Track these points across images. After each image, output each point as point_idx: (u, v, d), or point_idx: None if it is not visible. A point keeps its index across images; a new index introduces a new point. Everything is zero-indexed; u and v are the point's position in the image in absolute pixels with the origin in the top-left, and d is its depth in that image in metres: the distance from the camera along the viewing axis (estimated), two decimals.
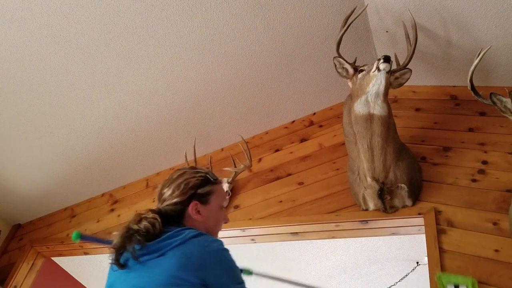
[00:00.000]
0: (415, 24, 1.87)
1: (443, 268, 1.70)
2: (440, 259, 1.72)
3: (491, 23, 1.91)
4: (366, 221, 2.01)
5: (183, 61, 2.27)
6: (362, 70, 1.82)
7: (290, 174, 2.39)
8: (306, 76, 2.43)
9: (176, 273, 1.12)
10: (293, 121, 2.66)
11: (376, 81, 1.74)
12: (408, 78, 1.89)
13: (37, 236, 3.00)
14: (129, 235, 1.20)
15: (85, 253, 2.84)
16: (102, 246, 2.74)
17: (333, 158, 2.33)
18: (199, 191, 1.33)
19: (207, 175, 1.38)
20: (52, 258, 3.11)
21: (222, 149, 2.77)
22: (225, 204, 1.42)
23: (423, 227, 1.87)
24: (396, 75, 1.88)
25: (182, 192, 1.32)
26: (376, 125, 1.79)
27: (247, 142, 2.52)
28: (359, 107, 1.80)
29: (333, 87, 2.48)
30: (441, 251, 1.75)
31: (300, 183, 2.31)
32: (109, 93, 2.39)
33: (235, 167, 2.46)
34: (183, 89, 2.41)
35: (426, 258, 1.78)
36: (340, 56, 1.90)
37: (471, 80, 1.67)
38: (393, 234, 2.05)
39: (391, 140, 1.85)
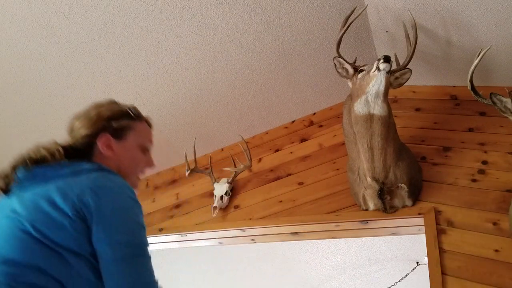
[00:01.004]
0: (415, 24, 1.87)
1: (443, 268, 1.70)
2: (440, 259, 1.72)
3: (491, 23, 1.91)
4: (366, 221, 2.01)
5: (183, 61, 2.27)
6: (362, 70, 1.82)
7: (290, 174, 2.39)
8: (306, 76, 2.43)
9: (53, 203, 0.98)
10: (293, 121, 2.66)
11: (376, 81, 1.74)
12: (408, 78, 1.89)
13: None
14: (20, 160, 1.09)
15: None
16: None
17: (333, 158, 2.33)
18: (113, 123, 1.19)
19: (128, 109, 1.24)
20: None
21: (222, 149, 2.77)
22: (149, 146, 1.29)
23: (423, 227, 1.87)
24: (396, 75, 1.88)
25: (93, 123, 1.18)
26: (376, 125, 1.79)
27: (247, 142, 2.52)
28: (359, 107, 1.80)
29: (333, 87, 2.48)
30: (441, 251, 1.75)
31: (300, 183, 2.31)
32: (109, 93, 2.37)
33: (235, 167, 2.46)
34: (183, 89, 2.41)
35: (426, 258, 1.78)
36: (340, 56, 1.90)
37: (471, 80, 1.67)
38: (393, 234, 2.05)
39: (391, 140, 1.85)
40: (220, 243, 2.43)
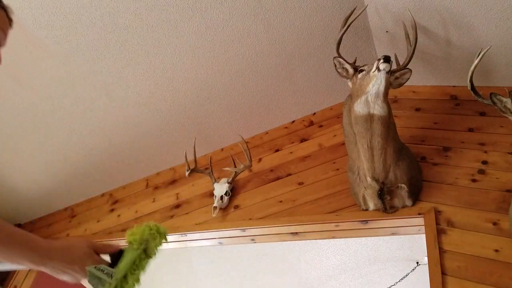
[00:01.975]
0: (415, 24, 1.87)
1: (443, 268, 1.70)
2: (440, 259, 1.72)
3: (491, 23, 1.91)
4: (366, 221, 2.01)
5: (183, 61, 2.27)
6: (362, 70, 1.82)
7: (290, 174, 2.39)
8: (306, 76, 2.43)
9: None
10: (293, 121, 2.66)
11: (376, 81, 1.74)
12: (408, 78, 1.89)
13: (37, 236, 3.00)
14: None
15: None
16: None
17: (333, 158, 2.33)
18: None
19: None
20: None
21: (222, 149, 2.77)
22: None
23: (423, 227, 1.87)
24: (396, 75, 1.88)
25: None
26: (376, 125, 1.79)
27: (247, 142, 2.52)
28: (359, 107, 1.80)
29: (333, 87, 2.48)
30: (441, 251, 1.75)
31: (300, 183, 2.31)
32: (109, 93, 2.39)
33: (235, 167, 2.46)
34: (183, 89, 2.41)
35: (426, 258, 1.78)
36: (340, 56, 1.90)
37: (471, 80, 1.67)
38: (393, 234, 2.04)
39: (391, 140, 1.85)
40: (220, 243, 2.43)
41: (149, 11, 2.03)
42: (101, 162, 2.78)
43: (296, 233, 2.19)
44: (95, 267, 1.01)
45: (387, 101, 1.81)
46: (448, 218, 1.84)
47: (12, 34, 2.09)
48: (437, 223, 1.83)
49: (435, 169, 2.02)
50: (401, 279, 3.27)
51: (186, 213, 2.53)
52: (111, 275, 1.02)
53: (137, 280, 1.08)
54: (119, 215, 2.79)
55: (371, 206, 1.98)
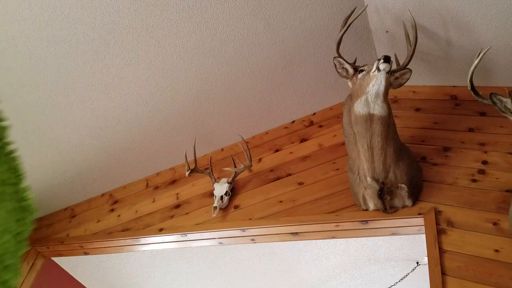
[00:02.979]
0: (415, 24, 1.87)
1: (443, 268, 1.70)
2: (440, 259, 1.72)
3: (491, 23, 1.91)
4: (366, 221, 2.01)
5: (183, 61, 2.27)
6: (362, 70, 1.82)
7: (290, 174, 2.39)
8: (306, 76, 2.43)
9: None
10: (293, 121, 2.66)
11: (376, 81, 1.74)
12: (408, 78, 1.89)
13: (37, 236, 3.00)
14: None
15: (85, 253, 2.84)
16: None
17: (333, 158, 2.33)
18: None
19: None
20: (52, 258, 3.11)
21: (222, 149, 2.77)
22: None
23: (423, 227, 1.88)
24: (396, 75, 1.88)
25: None
26: (376, 125, 1.79)
27: (247, 142, 2.52)
28: (359, 107, 1.80)
29: (333, 87, 2.48)
30: (441, 251, 1.75)
31: (300, 183, 2.31)
32: (109, 93, 2.39)
33: (235, 167, 2.46)
34: (183, 89, 2.41)
35: (426, 258, 1.78)
36: (340, 56, 1.90)
37: (471, 80, 1.67)
38: (393, 234, 2.05)
39: (391, 140, 1.85)
40: (220, 243, 2.44)
41: (149, 11, 2.03)
42: (101, 162, 2.78)
43: (296, 233, 2.19)
44: None
45: (387, 101, 1.81)
46: (448, 218, 1.84)
47: (12, 34, 2.09)
48: (437, 223, 1.83)
49: (435, 169, 2.02)
50: (401, 279, 3.27)
51: (186, 213, 2.53)
52: None
53: None
54: (119, 215, 2.79)
55: (371, 206, 1.98)
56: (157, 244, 2.59)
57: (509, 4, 1.82)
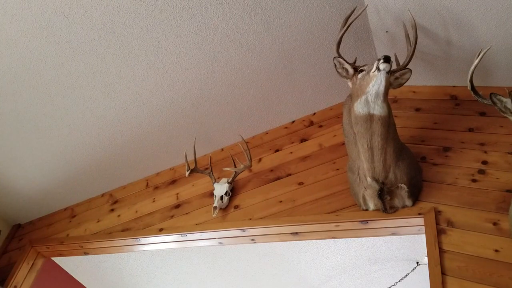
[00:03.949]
0: (415, 24, 1.87)
1: (443, 268, 1.70)
2: (440, 259, 1.72)
3: (491, 23, 1.91)
4: (366, 221, 2.01)
5: (183, 61, 2.27)
6: (362, 70, 1.82)
7: (290, 174, 2.39)
8: (306, 76, 2.43)
9: None
10: (293, 121, 2.66)
11: (376, 81, 1.74)
12: (408, 78, 1.89)
13: (37, 236, 3.00)
14: None
15: (85, 253, 2.84)
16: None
17: (333, 158, 2.33)
18: None
19: None
20: (52, 258, 3.11)
21: (222, 149, 2.77)
22: None
23: (423, 227, 1.87)
24: (396, 75, 1.88)
25: None
26: (376, 125, 1.79)
27: (247, 142, 2.52)
28: (359, 107, 1.80)
29: (333, 87, 2.48)
30: (441, 251, 1.75)
31: (300, 183, 2.31)
32: (109, 93, 2.39)
33: (235, 167, 2.46)
34: (183, 89, 2.41)
35: (426, 258, 1.78)
36: (340, 56, 1.90)
37: (471, 80, 1.67)
38: (393, 234, 2.05)
39: (391, 140, 1.85)
40: (220, 243, 2.44)
41: (149, 11, 2.03)
42: (101, 162, 2.78)
43: (296, 233, 2.19)
44: None
45: (387, 101, 1.81)
46: (448, 218, 1.84)
47: (12, 34, 2.10)
48: (437, 223, 1.83)
49: (435, 169, 2.02)
50: (401, 279, 3.27)
51: (186, 213, 2.53)
52: None
53: None
54: (119, 215, 2.79)
55: (371, 206, 1.98)
56: (157, 244, 2.59)
57: (509, 4, 1.82)
